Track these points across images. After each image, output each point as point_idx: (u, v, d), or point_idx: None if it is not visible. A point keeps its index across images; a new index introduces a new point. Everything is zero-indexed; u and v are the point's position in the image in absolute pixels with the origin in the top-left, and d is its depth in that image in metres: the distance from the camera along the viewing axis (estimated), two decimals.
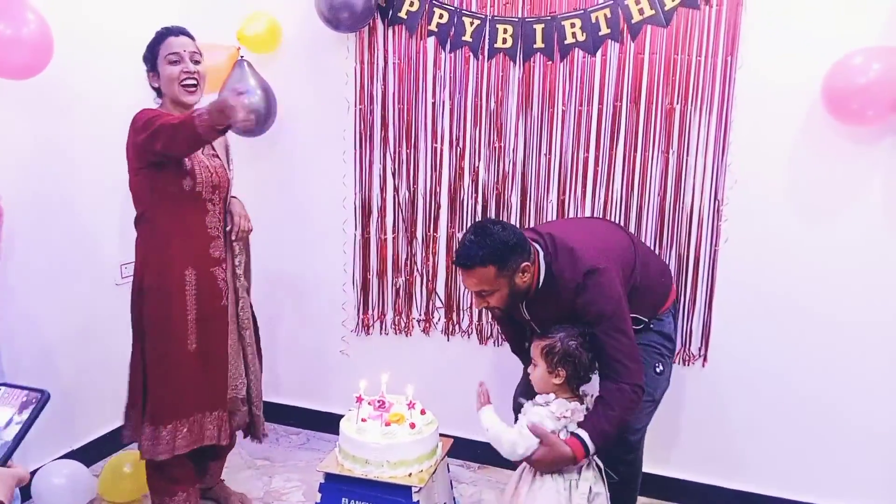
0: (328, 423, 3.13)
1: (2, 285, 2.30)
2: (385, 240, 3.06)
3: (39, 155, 2.65)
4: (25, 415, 1.00)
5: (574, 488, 2.01)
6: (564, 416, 1.99)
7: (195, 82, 2.24)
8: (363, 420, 2.14)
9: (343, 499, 2.09)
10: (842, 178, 2.44)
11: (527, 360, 2.20)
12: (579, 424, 2.00)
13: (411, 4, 2.83)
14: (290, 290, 3.14)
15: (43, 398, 1.01)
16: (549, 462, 1.98)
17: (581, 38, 2.65)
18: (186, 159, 2.19)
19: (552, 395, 2.03)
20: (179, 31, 2.27)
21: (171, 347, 2.23)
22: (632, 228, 2.69)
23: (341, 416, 2.28)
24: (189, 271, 2.24)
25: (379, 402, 2.19)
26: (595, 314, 2.03)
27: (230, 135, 2.35)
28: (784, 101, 2.46)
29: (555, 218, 2.79)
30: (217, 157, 2.34)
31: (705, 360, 2.68)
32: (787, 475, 2.63)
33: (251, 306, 2.50)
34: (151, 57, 2.25)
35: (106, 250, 2.95)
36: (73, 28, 2.65)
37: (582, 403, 2.05)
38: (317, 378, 3.27)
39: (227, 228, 2.36)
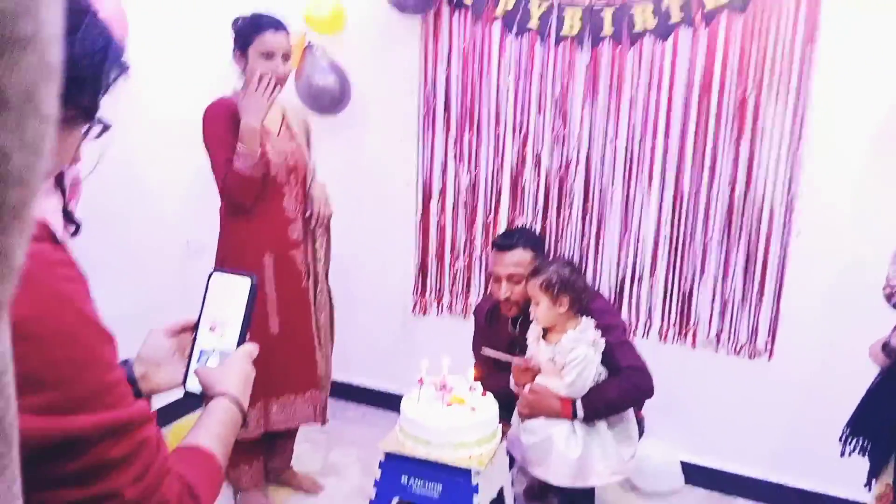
0: (385, 400, 3.16)
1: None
2: (444, 223, 3.06)
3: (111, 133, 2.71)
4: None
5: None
6: (594, 340, 2.07)
7: (282, 84, 2.24)
8: (425, 401, 2.15)
9: (403, 476, 2.10)
10: None
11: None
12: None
13: None
14: (353, 271, 3.17)
15: (253, 282, 1.07)
16: (536, 405, 2.10)
17: (652, 24, 2.60)
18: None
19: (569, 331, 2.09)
20: (278, 26, 2.21)
21: (251, 331, 2.26)
22: (700, 220, 2.64)
23: (397, 395, 2.29)
24: (267, 256, 2.26)
25: (441, 384, 2.19)
26: (605, 324, 2.13)
27: (312, 118, 2.39)
28: (864, 93, 2.37)
29: (620, 206, 2.75)
30: (294, 138, 2.35)
31: (771, 354, 2.62)
32: (856, 474, 2.54)
33: (329, 290, 2.51)
34: (243, 43, 2.20)
35: (172, 225, 3.02)
36: (146, 9, 2.70)
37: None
38: (375, 357, 3.30)
39: (307, 213, 2.37)
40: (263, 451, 2.48)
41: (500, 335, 2.40)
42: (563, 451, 2.05)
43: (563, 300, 2.09)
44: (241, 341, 1.08)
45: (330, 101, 2.98)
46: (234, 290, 1.09)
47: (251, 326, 1.08)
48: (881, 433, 1.94)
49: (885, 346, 1.90)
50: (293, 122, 2.41)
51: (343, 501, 2.64)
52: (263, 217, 2.27)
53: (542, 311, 2.11)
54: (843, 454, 2.03)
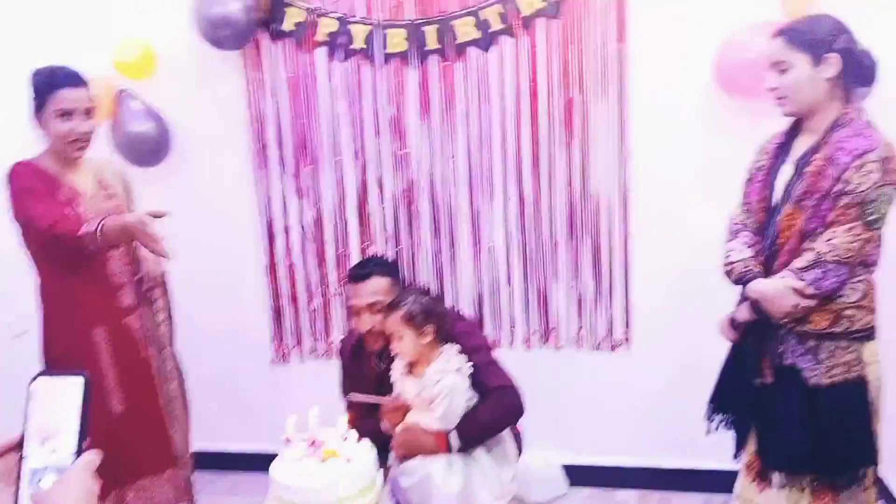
0: (256, 463, 2.96)
1: None
2: (293, 263, 2.91)
3: None
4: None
5: None
6: (459, 367, 2.02)
7: (87, 142, 2.07)
8: (295, 462, 2.01)
9: None
10: (742, 153, 2.48)
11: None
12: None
13: (296, 16, 2.70)
14: (202, 329, 2.94)
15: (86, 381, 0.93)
16: (410, 444, 2.01)
17: (475, 35, 2.60)
18: (78, 205, 2.01)
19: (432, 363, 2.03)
20: (74, 82, 2.03)
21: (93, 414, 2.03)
22: (544, 224, 2.69)
23: (269, 454, 2.14)
24: (97, 329, 2.07)
25: (311, 440, 2.06)
26: (470, 346, 2.09)
27: (130, 171, 2.27)
28: (678, 83, 2.50)
29: (468, 221, 2.74)
30: (113, 196, 2.16)
31: (629, 342, 2.71)
32: (726, 446, 2.64)
33: (174, 356, 2.31)
34: (38, 103, 2.02)
35: None
36: None
37: None
38: (239, 418, 3.09)
39: (138, 276, 2.19)
40: None
41: (367, 372, 2.30)
42: (442, 488, 1.98)
43: (427, 330, 2.04)
44: (78, 451, 0.92)
45: (150, 149, 2.78)
46: (64, 394, 0.94)
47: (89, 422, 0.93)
48: (740, 405, 2.02)
49: (732, 322, 1.98)
50: (109, 180, 2.23)
51: None
52: (88, 285, 2.09)
53: (406, 344, 2.05)
54: (708, 432, 2.09)
